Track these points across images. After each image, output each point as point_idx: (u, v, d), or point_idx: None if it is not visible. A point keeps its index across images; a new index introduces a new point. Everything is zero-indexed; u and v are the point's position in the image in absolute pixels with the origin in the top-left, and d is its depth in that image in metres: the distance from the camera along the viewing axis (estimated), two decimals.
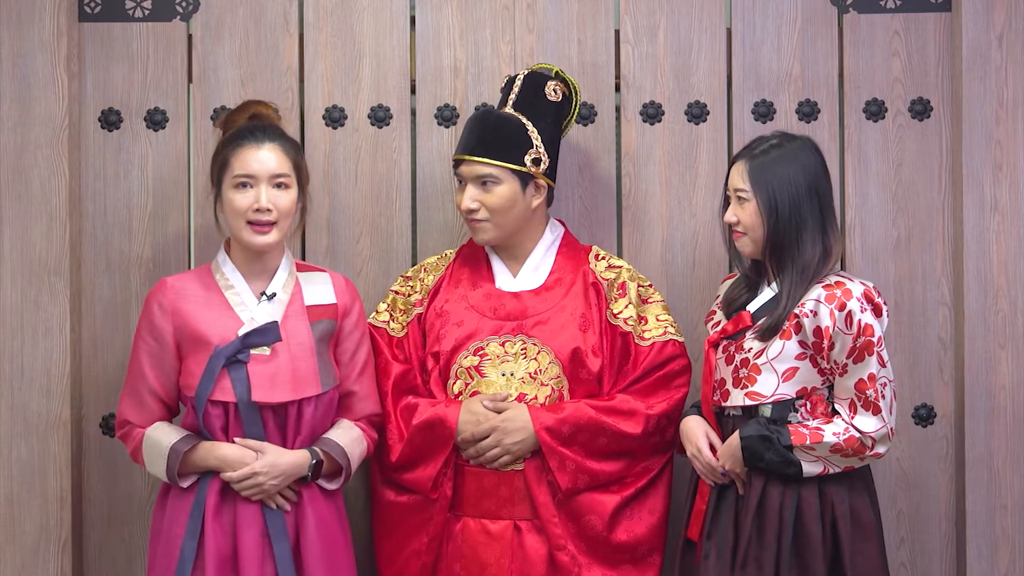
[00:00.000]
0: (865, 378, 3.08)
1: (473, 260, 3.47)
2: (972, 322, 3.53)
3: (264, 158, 3.20)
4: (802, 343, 3.12)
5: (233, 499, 3.17)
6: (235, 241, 3.26)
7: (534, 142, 3.35)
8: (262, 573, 3.14)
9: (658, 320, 3.39)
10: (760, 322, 3.18)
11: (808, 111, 3.60)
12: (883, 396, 3.08)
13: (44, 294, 3.53)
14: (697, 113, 3.62)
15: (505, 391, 3.32)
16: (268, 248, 3.23)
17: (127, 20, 3.62)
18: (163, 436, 3.19)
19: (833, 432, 3.08)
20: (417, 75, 3.63)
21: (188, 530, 3.14)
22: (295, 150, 3.28)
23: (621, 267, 3.44)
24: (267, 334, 3.18)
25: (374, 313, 3.46)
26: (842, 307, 3.07)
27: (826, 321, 3.08)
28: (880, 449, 3.10)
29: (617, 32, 3.63)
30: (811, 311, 3.10)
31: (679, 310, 3.55)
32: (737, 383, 3.18)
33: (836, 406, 3.13)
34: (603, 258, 3.46)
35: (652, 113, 3.62)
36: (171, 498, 3.21)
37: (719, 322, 3.31)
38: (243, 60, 3.62)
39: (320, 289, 3.31)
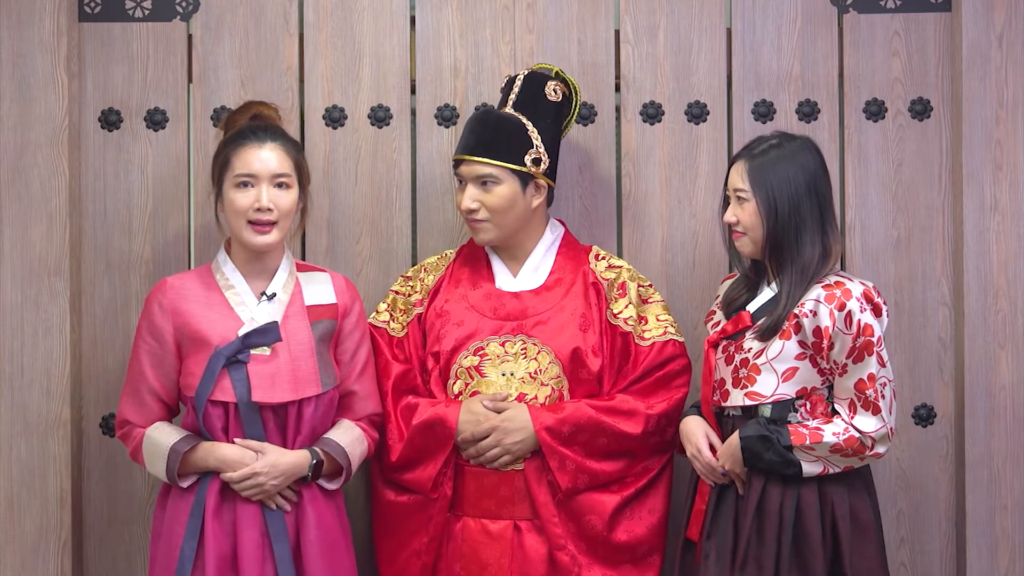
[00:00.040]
0: (865, 378, 3.08)
1: (473, 260, 3.47)
2: (972, 322, 3.53)
3: (265, 157, 3.20)
4: (802, 343, 3.12)
5: (233, 499, 3.17)
6: (235, 241, 3.26)
7: (534, 142, 3.35)
8: (262, 573, 3.14)
9: (658, 320, 3.39)
10: (760, 322, 3.18)
11: (808, 111, 3.60)
12: (883, 396, 3.08)
13: (44, 294, 3.53)
14: (697, 113, 3.62)
15: (505, 391, 3.33)
16: (268, 248, 3.23)
17: (127, 20, 3.62)
18: (163, 436, 3.19)
19: (833, 432, 3.08)
20: (417, 75, 3.63)
21: (188, 530, 3.14)
22: (296, 150, 3.28)
23: (621, 267, 3.44)
24: (267, 334, 3.18)
25: (374, 313, 3.46)
26: (842, 307, 3.07)
27: (826, 321, 3.08)
28: (880, 449, 3.10)
29: (617, 32, 3.63)
30: (811, 311, 3.10)
31: (679, 310, 3.55)
32: (737, 383, 3.18)
33: (836, 406, 3.13)
34: (603, 258, 3.46)
35: (652, 113, 3.62)
36: (171, 498, 3.21)
37: (719, 322, 3.31)
38: (243, 60, 3.62)
39: (320, 289, 3.31)
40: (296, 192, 3.25)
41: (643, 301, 3.41)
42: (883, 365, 3.09)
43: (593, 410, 3.29)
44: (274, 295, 3.26)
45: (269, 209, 3.19)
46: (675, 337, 3.38)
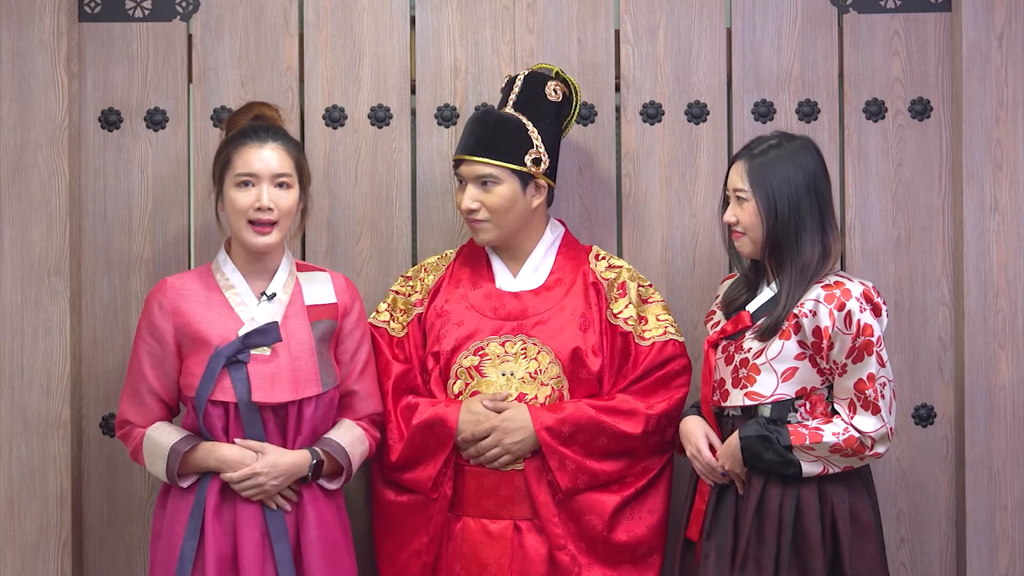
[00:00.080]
0: (864, 378, 3.08)
1: (473, 260, 3.47)
2: (972, 322, 3.53)
3: (266, 157, 3.20)
4: (801, 343, 3.12)
5: (233, 499, 3.16)
6: (236, 241, 3.26)
7: (534, 142, 3.35)
8: (262, 573, 3.14)
9: (658, 320, 3.39)
10: (759, 322, 3.18)
11: (808, 111, 3.60)
12: (882, 396, 3.08)
13: (44, 294, 3.53)
14: (697, 113, 3.62)
15: (505, 391, 3.33)
16: (268, 249, 3.23)
17: (127, 20, 3.62)
18: (163, 436, 3.19)
19: (832, 432, 3.08)
20: (417, 75, 3.63)
21: (188, 530, 3.14)
22: (297, 151, 3.28)
23: (621, 267, 3.44)
24: (267, 334, 3.18)
25: (374, 313, 3.46)
26: (841, 307, 3.07)
27: (825, 321, 3.08)
28: (880, 449, 3.10)
29: (617, 32, 3.63)
30: (810, 311, 3.10)
31: (679, 310, 3.55)
32: (736, 383, 3.18)
33: (835, 406, 3.13)
34: (603, 258, 3.46)
35: (652, 113, 3.62)
36: (171, 498, 3.21)
37: (718, 322, 3.31)
38: (243, 60, 3.62)
39: (320, 289, 3.31)
40: (297, 192, 3.25)
41: (643, 301, 3.41)
42: (883, 365, 3.09)
43: (593, 410, 3.29)
44: (274, 295, 3.26)
45: (270, 209, 3.19)
46: (675, 337, 3.38)
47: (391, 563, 3.37)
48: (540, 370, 3.33)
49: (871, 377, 3.07)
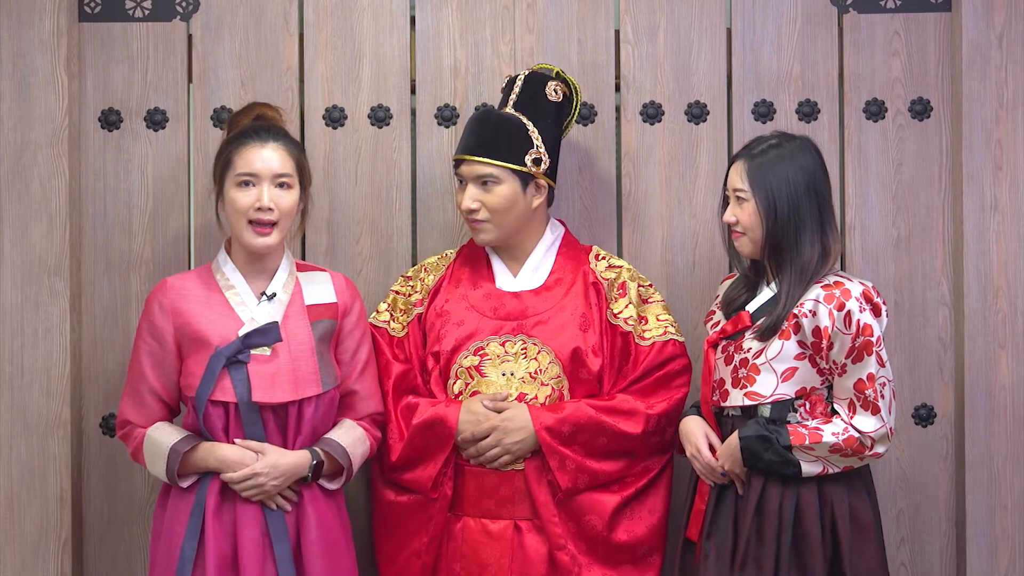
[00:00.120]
0: (864, 378, 3.08)
1: (473, 260, 3.47)
2: (972, 322, 3.53)
3: (267, 157, 3.20)
4: (801, 343, 3.12)
5: (233, 499, 3.16)
6: (236, 241, 3.26)
7: (535, 142, 3.35)
8: (263, 573, 3.14)
9: (658, 320, 3.39)
10: (759, 322, 3.18)
11: (808, 111, 3.60)
12: (882, 396, 3.08)
13: (44, 294, 3.53)
14: (697, 113, 3.62)
15: (505, 391, 3.33)
16: (268, 250, 3.23)
17: (127, 20, 3.62)
18: (163, 436, 3.19)
19: (832, 432, 3.08)
20: (417, 75, 3.63)
21: (188, 530, 3.14)
22: (298, 151, 3.28)
23: (621, 267, 3.44)
24: (267, 334, 3.18)
25: (374, 313, 3.46)
26: (841, 307, 3.07)
27: (825, 321, 3.08)
28: (879, 449, 3.10)
29: (617, 32, 3.63)
30: (810, 311, 3.10)
31: (679, 310, 3.55)
32: (736, 383, 3.18)
33: (835, 406, 3.13)
34: (603, 258, 3.46)
35: (652, 113, 3.62)
36: (172, 498, 3.21)
37: (718, 322, 3.31)
38: (243, 60, 3.62)
39: (320, 288, 3.31)
40: (297, 193, 3.25)
41: (643, 301, 3.41)
42: (882, 365, 3.09)
43: (593, 410, 3.29)
44: (274, 295, 3.26)
45: (270, 209, 3.19)
46: (675, 337, 3.38)
47: (391, 563, 3.37)
48: (540, 370, 3.33)
49: (871, 377, 3.07)
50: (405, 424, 3.33)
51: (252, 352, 3.18)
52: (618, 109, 3.64)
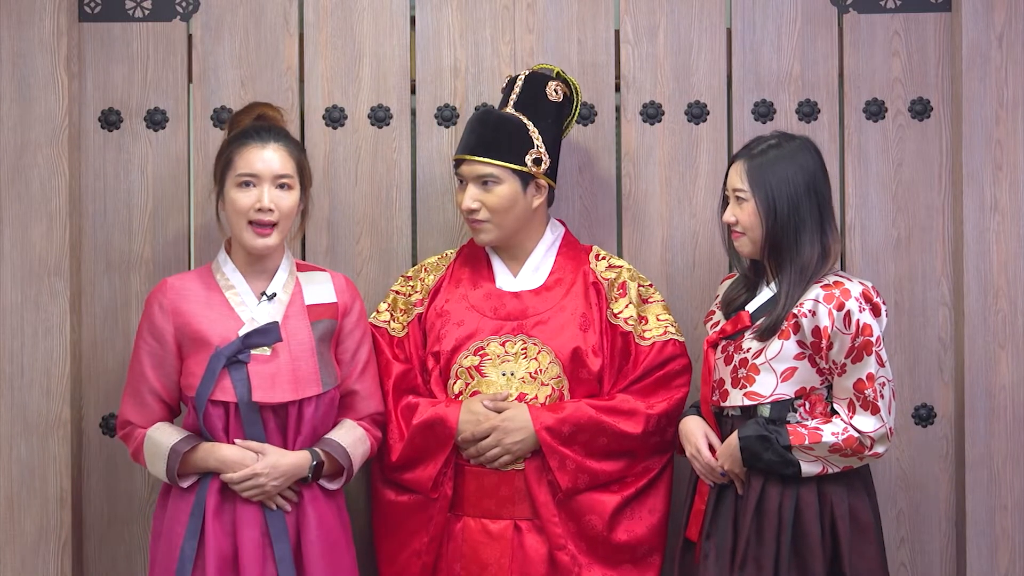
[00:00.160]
0: (864, 378, 3.08)
1: (474, 260, 3.47)
2: (972, 322, 3.53)
3: (268, 158, 3.20)
4: (801, 343, 3.12)
5: (233, 499, 3.16)
6: (236, 241, 3.26)
7: (535, 142, 3.35)
8: (263, 573, 3.14)
9: (658, 320, 3.39)
10: (759, 322, 3.18)
11: (808, 111, 3.60)
12: (882, 396, 3.08)
13: (44, 294, 3.53)
14: (697, 113, 3.62)
15: (505, 391, 3.33)
16: (268, 251, 3.23)
17: (127, 20, 3.62)
18: (163, 437, 3.19)
19: (832, 432, 3.08)
20: (417, 75, 3.63)
21: (188, 530, 3.14)
22: (299, 152, 3.28)
23: (621, 267, 3.44)
24: (268, 334, 3.18)
25: (375, 313, 3.46)
26: (840, 307, 3.07)
27: (824, 321, 3.08)
28: (879, 449, 3.10)
29: (617, 32, 3.63)
30: (809, 311, 3.10)
31: (679, 310, 3.54)
32: (736, 383, 3.18)
33: (835, 406, 3.13)
34: (603, 258, 3.46)
35: (652, 113, 3.62)
36: (172, 498, 3.21)
37: (718, 322, 3.31)
38: (243, 60, 3.62)
39: (320, 288, 3.31)
40: (297, 194, 3.24)
41: (643, 301, 3.41)
42: (882, 365, 3.09)
43: (593, 410, 3.29)
44: (274, 295, 3.26)
45: (270, 210, 3.19)
46: (675, 337, 3.38)
47: (391, 563, 3.37)
48: (540, 370, 3.33)
49: (870, 377, 3.07)
50: (405, 424, 3.33)
51: (252, 352, 3.18)
52: (618, 109, 3.64)
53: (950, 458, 3.59)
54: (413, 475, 3.33)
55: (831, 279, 3.14)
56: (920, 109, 3.59)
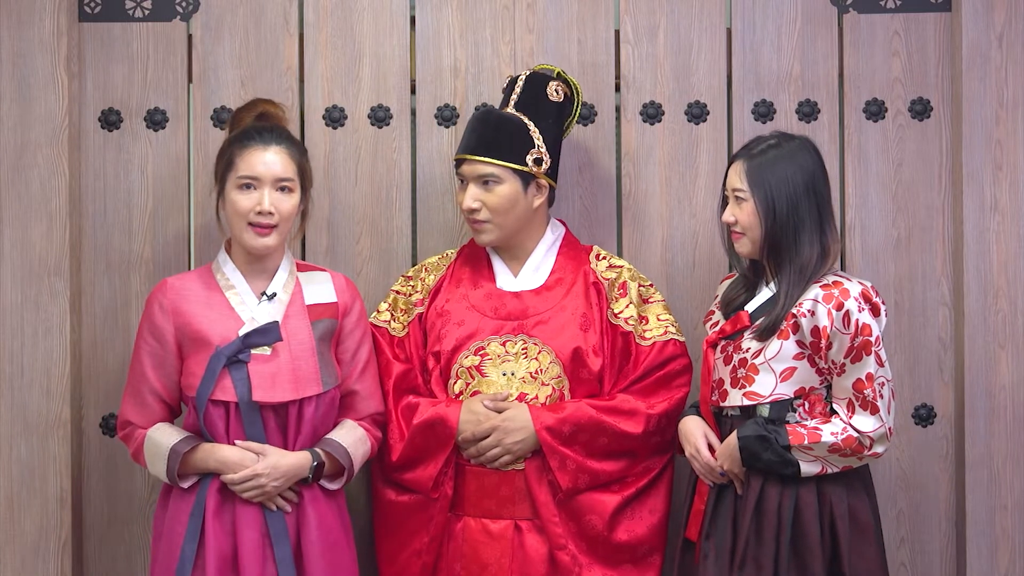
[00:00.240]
0: (863, 378, 3.08)
1: (474, 260, 3.47)
2: (972, 322, 3.53)
3: (269, 161, 3.20)
4: (800, 343, 3.12)
5: (233, 500, 3.16)
6: (236, 241, 3.26)
7: (536, 142, 3.35)
8: (263, 573, 3.13)
9: (659, 320, 3.39)
10: (758, 322, 3.18)
11: (808, 111, 3.60)
12: (881, 396, 3.08)
13: (44, 294, 3.53)
14: (697, 113, 3.62)
15: (506, 391, 3.33)
16: (268, 251, 3.23)
17: (127, 20, 3.62)
18: (163, 437, 3.19)
19: (831, 432, 3.08)
20: (417, 75, 3.63)
21: (188, 531, 3.14)
22: (301, 154, 3.28)
23: (622, 267, 3.44)
24: (268, 334, 3.18)
25: (375, 313, 3.46)
26: (840, 307, 3.07)
27: (824, 321, 3.08)
28: (878, 449, 3.10)
29: (617, 32, 3.63)
30: (809, 311, 3.10)
31: (679, 310, 3.54)
32: (735, 383, 3.18)
33: (834, 406, 3.13)
34: (604, 258, 3.46)
35: (652, 113, 3.62)
36: (172, 499, 3.21)
37: (717, 322, 3.31)
38: (243, 60, 3.62)
39: (320, 288, 3.31)
40: (298, 196, 3.24)
41: (644, 301, 3.41)
42: (881, 365, 3.09)
43: (594, 410, 3.29)
44: (274, 295, 3.26)
45: (270, 213, 3.18)
46: (676, 337, 3.38)
47: (391, 563, 3.37)
48: (541, 370, 3.33)
49: (869, 377, 3.07)
50: (406, 424, 3.33)
51: (252, 352, 3.17)
52: (618, 109, 3.64)
53: (950, 458, 3.59)
54: (413, 475, 3.33)
55: (830, 279, 3.14)
56: (920, 109, 3.59)
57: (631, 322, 3.37)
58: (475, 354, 3.35)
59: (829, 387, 3.15)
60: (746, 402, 3.15)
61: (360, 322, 3.35)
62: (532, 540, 3.29)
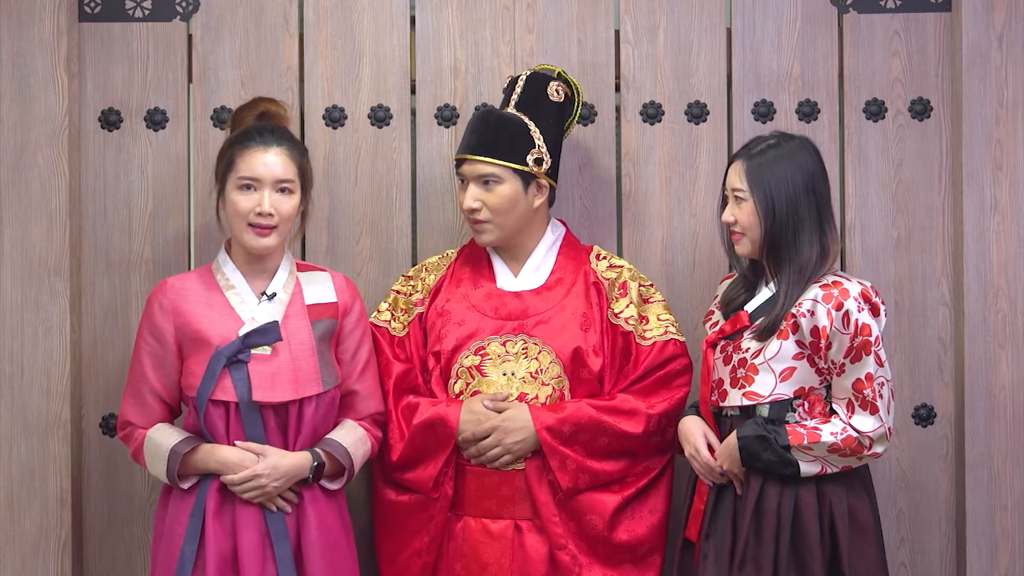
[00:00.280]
0: (862, 378, 3.08)
1: (474, 260, 3.47)
2: (972, 322, 3.53)
3: (270, 162, 3.20)
4: (799, 343, 3.12)
5: (233, 500, 3.16)
6: (235, 242, 3.26)
7: (536, 142, 3.35)
8: (263, 574, 3.13)
9: (659, 320, 3.39)
10: (758, 322, 3.18)
11: (808, 111, 3.60)
12: (881, 396, 3.08)
13: (44, 294, 3.53)
14: (697, 113, 3.62)
15: (506, 391, 3.33)
16: (267, 251, 3.23)
17: (127, 20, 3.62)
18: (163, 438, 3.19)
19: (831, 432, 3.08)
20: (417, 75, 3.63)
21: (188, 532, 3.14)
22: (301, 155, 3.27)
23: (622, 267, 3.44)
24: (268, 334, 3.18)
25: (375, 312, 3.46)
26: (839, 307, 3.07)
27: (823, 321, 3.08)
28: (878, 449, 3.10)
29: (617, 32, 3.63)
30: (808, 311, 3.10)
31: (679, 310, 3.54)
32: (735, 383, 3.18)
33: (834, 406, 3.13)
34: (604, 258, 3.46)
35: (652, 113, 3.62)
36: (172, 499, 3.21)
37: (717, 322, 3.31)
38: (243, 60, 3.62)
39: (320, 288, 3.31)
40: (298, 197, 3.24)
41: (644, 301, 3.41)
42: (881, 365, 3.09)
43: (594, 410, 3.29)
44: (274, 295, 3.26)
45: (270, 214, 3.18)
46: (676, 337, 3.38)
47: (392, 563, 3.37)
48: (541, 370, 3.33)
49: (869, 377, 3.07)
50: (406, 424, 3.33)
51: (252, 352, 3.17)
52: (618, 109, 3.64)
53: (950, 458, 3.59)
54: (414, 475, 3.33)
55: (830, 279, 3.14)
56: (920, 109, 3.59)
57: (631, 322, 3.37)
58: (475, 354, 3.35)
59: (829, 387, 3.15)
60: (746, 402, 3.15)
61: (360, 322, 3.35)
62: (532, 540, 3.29)
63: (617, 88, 3.64)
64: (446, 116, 3.62)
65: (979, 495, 3.53)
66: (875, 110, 3.59)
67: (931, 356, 3.59)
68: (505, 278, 3.44)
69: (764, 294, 3.22)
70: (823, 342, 3.08)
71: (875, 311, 3.12)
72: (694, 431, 3.24)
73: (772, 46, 3.61)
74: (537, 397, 3.32)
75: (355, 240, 3.63)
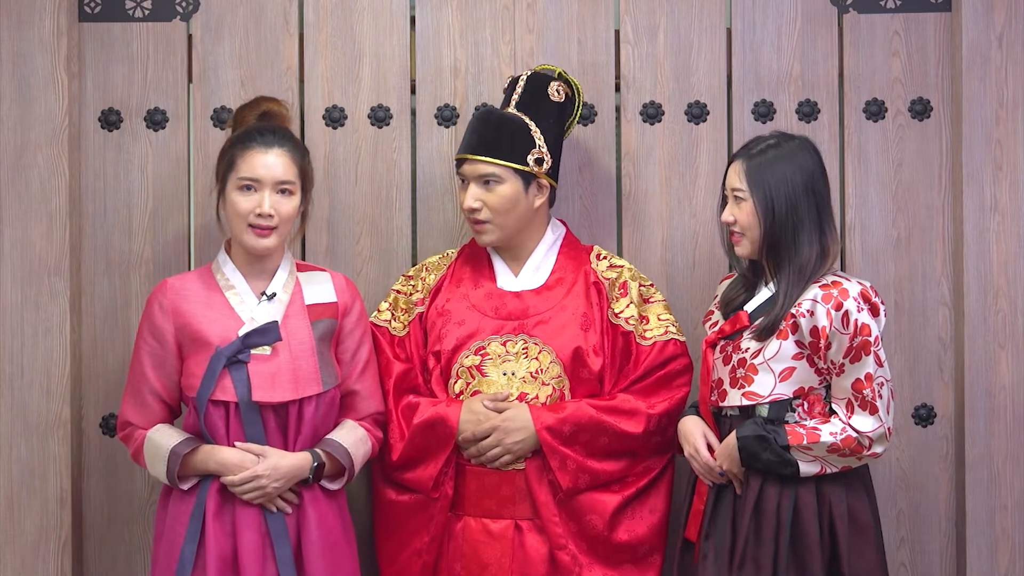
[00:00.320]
0: (862, 378, 3.07)
1: (475, 259, 3.47)
2: (972, 322, 3.53)
3: (271, 163, 3.20)
4: (799, 343, 3.12)
5: (233, 501, 3.16)
6: (235, 242, 3.26)
7: (537, 142, 3.35)
8: (263, 574, 3.13)
9: (659, 319, 3.39)
10: (757, 322, 3.18)
11: (808, 111, 3.60)
12: (880, 396, 3.08)
13: (44, 294, 3.53)
14: (697, 113, 3.62)
15: (506, 390, 3.33)
16: (267, 252, 3.23)
17: (127, 20, 3.62)
18: (163, 438, 3.19)
19: (830, 432, 3.08)
20: (417, 75, 3.63)
21: (188, 532, 3.14)
22: (302, 155, 3.27)
23: (623, 267, 3.44)
24: (268, 334, 3.18)
25: (375, 312, 3.46)
26: (839, 307, 3.07)
27: (823, 321, 3.07)
28: (877, 449, 3.10)
29: (617, 32, 3.63)
30: (808, 311, 3.10)
31: (679, 310, 3.54)
32: (734, 383, 3.18)
33: (833, 406, 3.13)
34: (604, 258, 3.46)
35: (652, 113, 3.62)
36: (172, 500, 3.21)
37: (717, 322, 3.31)
38: (243, 60, 3.62)
39: (320, 288, 3.31)
40: (298, 198, 3.24)
41: (644, 300, 3.41)
42: (880, 365, 3.09)
43: (594, 410, 3.29)
44: (274, 295, 3.26)
45: (270, 215, 3.18)
46: (676, 336, 3.38)
47: (392, 562, 3.37)
48: (541, 370, 3.33)
49: (869, 377, 3.07)
50: (406, 424, 3.33)
51: (252, 352, 3.17)
52: (618, 109, 3.64)
53: (950, 458, 3.59)
54: (414, 475, 3.33)
55: (829, 279, 3.14)
56: (920, 109, 3.59)
57: (632, 322, 3.37)
58: (475, 354, 3.35)
59: (828, 387, 3.15)
60: (745, 402, 3.15)
61: (360, 322, 3.35)
62: (532, 540, 3.29)
63: (617, 88, 3.64)
64: (446, 116, 3.62)
65: (979, 495, 3.53)
66: (875, 110, 3.59)
67: (931, 356, 3.59)
68: (505, 278, 3.44)
69: (764, 294, 3.22)
70: (823, 342, 3.08)
71: (875, 311, 3.12)
72: (694, 431, 3.24)
73: (772, 46, 3.61)
74: (537, 397, 3.32)
75: (355, 240, 3.63)
